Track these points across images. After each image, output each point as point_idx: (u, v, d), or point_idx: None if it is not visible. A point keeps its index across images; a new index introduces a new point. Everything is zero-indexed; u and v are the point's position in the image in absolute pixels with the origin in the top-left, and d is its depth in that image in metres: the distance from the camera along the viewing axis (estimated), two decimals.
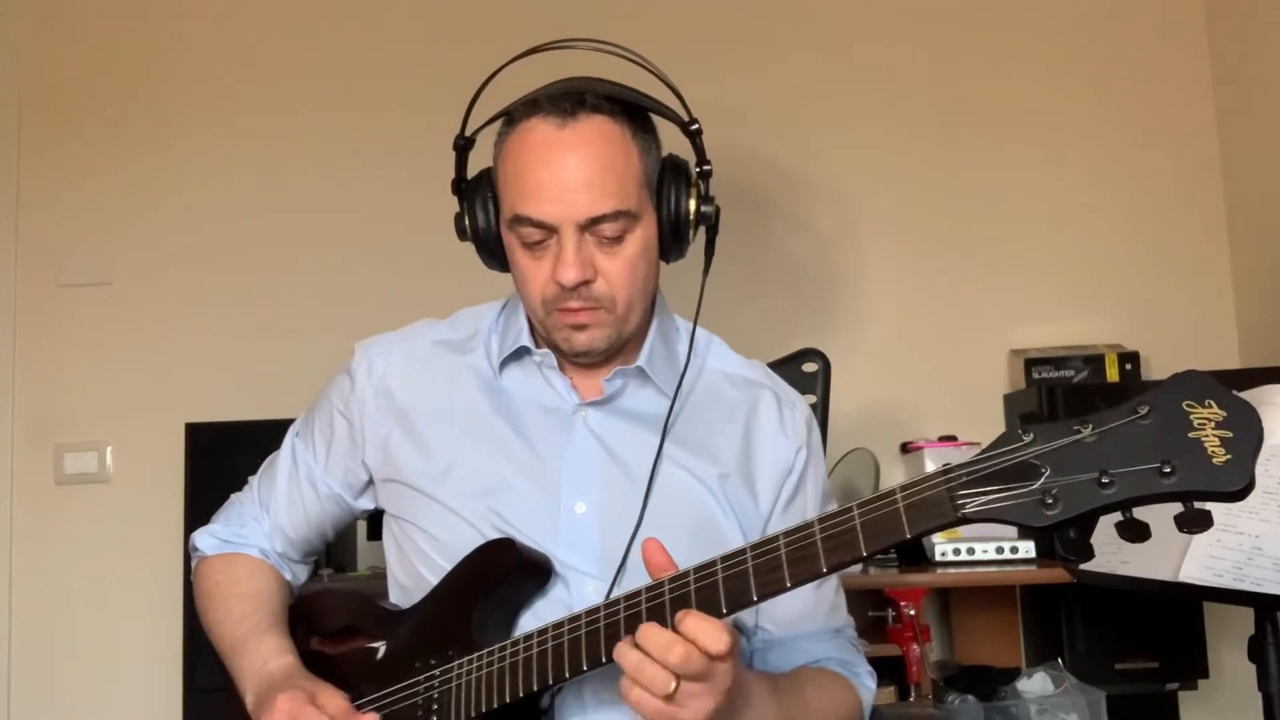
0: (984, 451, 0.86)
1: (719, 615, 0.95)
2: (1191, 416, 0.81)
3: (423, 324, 1.35)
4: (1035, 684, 2.14)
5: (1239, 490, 0.78)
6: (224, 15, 2.86)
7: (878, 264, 2.75)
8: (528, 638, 1.06)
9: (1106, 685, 2.16)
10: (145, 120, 2.81)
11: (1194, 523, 0.80)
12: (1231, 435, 0.79)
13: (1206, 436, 0.80)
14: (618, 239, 1.17)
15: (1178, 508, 0.81)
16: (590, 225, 1.15)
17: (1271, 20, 2.56)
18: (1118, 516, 0.82)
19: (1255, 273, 2.65)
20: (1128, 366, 2.52)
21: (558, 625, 1.04)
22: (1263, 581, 1.32)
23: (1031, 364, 2.54)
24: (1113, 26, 2.78)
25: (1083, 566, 1.58)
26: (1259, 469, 1.38)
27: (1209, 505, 0.80)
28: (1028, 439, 0.84)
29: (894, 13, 2.81)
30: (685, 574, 0.97)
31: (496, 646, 1.08)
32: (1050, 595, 2.37)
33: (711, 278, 1.28)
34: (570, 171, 1.15)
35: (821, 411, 1.81)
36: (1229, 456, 0.79)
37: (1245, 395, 1.48)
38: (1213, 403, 0.81)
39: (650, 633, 0.94)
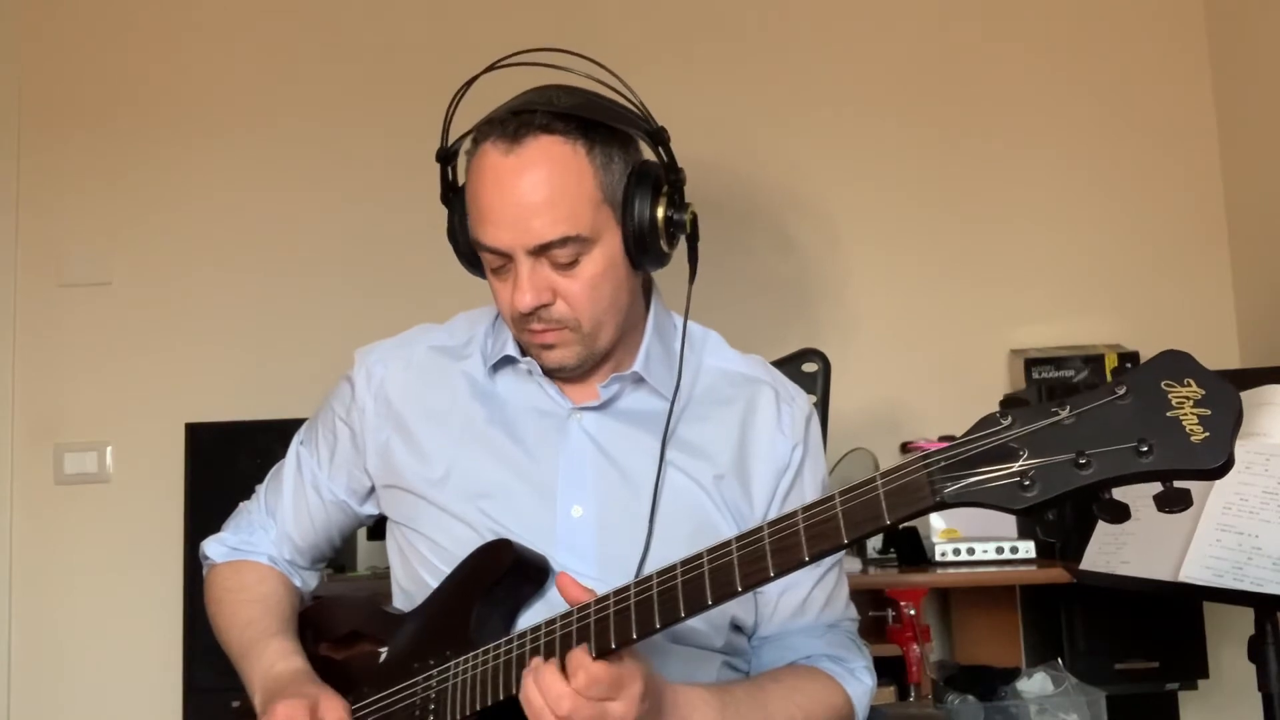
0: (964, 436, 0.85)
1: (704, 607, 0.95)
2: (1170, 395, 0.80)
3: (420, 330, 1.36)
4: (1035, 684, 2.14)
5: (1217, 468, 0.77)
6: (224, 15, 2.86)
7: (878, 264, 2.75)
8: (520, 635, 1.06)
9: (1106, 685, 2.16)
10: (145, 121, 2.81)
11: (1173, 502, 0.80)
12: (1210, 413, 0.78)
13: (1185, 415, 0.79)
14: (572, 262, 1.16)
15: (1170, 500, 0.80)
16: (541, 251, 1.15)
17: (1271, 20, 2.56)
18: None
19: (1255, 273, 2.65)
20: (1128, 366, 2.51)
21: (550, 622, 1.04)
22: (1263, 581, 1.32)
23: (1031, 364, 2.54)
24: (1113, 26, 2.78)
25: (1083, 566, 1.58)
26: (1260, 469, 1.39)
27: (1189, 484, 0.80)
28: (1006, 422, 0.84)
29: (899, 9, 2.81)
30: (673, 567, 0.98)
31: (491, 645, 1.09)
32: (1050, 595, 2.37)
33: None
34: (517, 198, 1.14)
35: (821, 411, 1.81)
36: (1207, 434, 0.77)
37: (1245, 395, 1.48)
38: (1191, 381, 0.80)
39: (547, 679, 0.98)
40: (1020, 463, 0.82)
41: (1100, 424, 0.81)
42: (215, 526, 1.44)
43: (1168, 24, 2.79)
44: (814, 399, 1.78)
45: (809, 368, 1.83)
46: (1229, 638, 2.35)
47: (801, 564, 0.92)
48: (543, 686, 0.98)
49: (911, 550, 2.35)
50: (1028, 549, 2.27)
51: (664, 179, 1.21)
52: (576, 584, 1.04)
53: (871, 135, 2.77)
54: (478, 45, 1.30)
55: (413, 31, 2.83)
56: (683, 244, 1.25)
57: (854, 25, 2.81)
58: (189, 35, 2.85)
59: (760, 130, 2.77)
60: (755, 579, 0.93)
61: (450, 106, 1.25)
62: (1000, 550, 2.28)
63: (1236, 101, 2.71)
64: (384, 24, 2.84)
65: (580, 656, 0.98)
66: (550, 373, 1.25)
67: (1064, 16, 2.79)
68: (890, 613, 2.22)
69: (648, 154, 1.24)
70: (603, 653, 0.99)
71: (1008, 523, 2.32)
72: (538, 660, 1.00)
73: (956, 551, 2.28)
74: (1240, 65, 2.69)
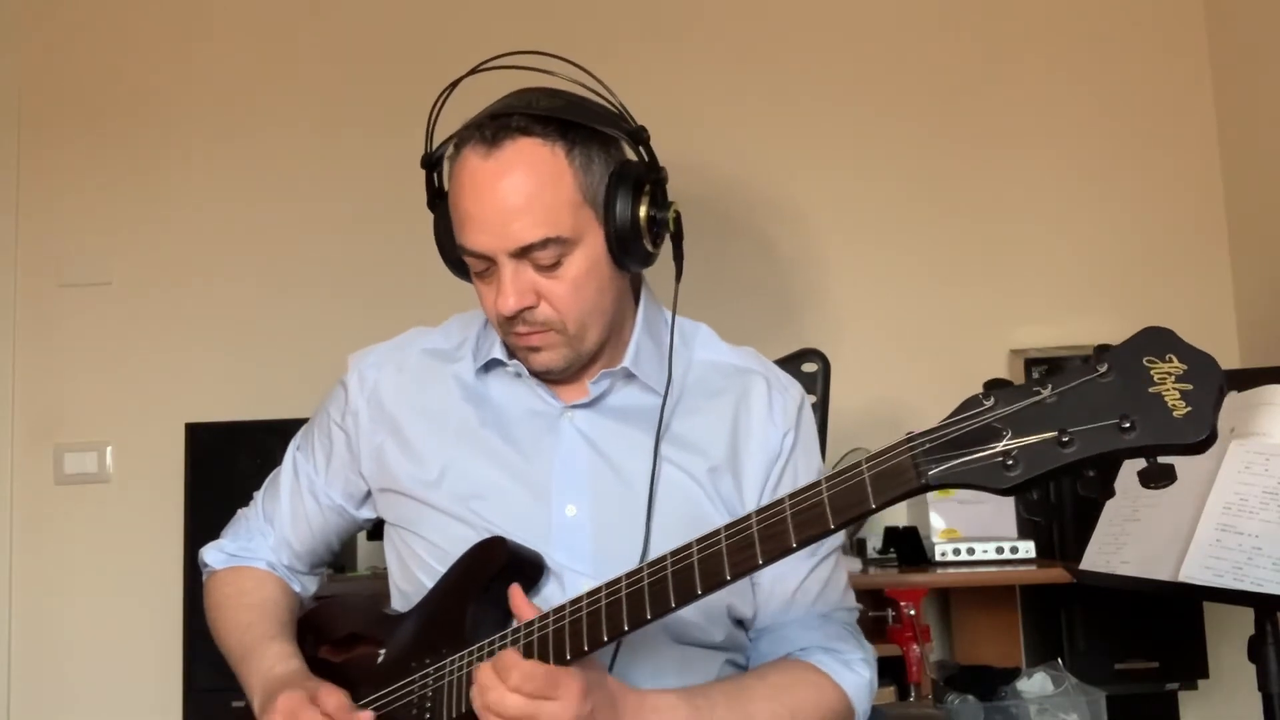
0: (947, 418, 0.86)
1: (695, 596, 0.96)
2: (1151, 371, 0.80)
3: (414, 332, 1.36)
4: (1035, 684, 2.14)
5: (1200, 442, 0.77)
6: (224, 17, 2.86)
7: (878, 264, 2.75)
8: (515, 631, 1.07)
9: (1106, 685, 2.16)
10: (146, 121, 2.81)
11: (1156, 477, 0.80)
12: (1192, 387, 0.78)
13: (1167, 390, 0.79)
14: (555, 264, 1.16)
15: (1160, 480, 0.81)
16: (522, 253, 1.15)
17: (1271, 20, 2.56)
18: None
19: (1255, 273, 2.65)
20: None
21: (543, 617, 1.05)
22: (1263, 581, 1.32)
23: (1031, 364, 2.53)
24: (1113, 26, 2.78)
25: (1083, 566, 1.58)
26: (1260, 469, 1.39)
27: (1173, 459, 0.80)
28: (989, 403, 0.84)
29: (900, 7, 2.81)
30: (663, 558, 0.98)
31: (486, 641, 1.09)
32: (1050, 595, 2.37)
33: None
34: (497, 202, 1.14)
35: (821, 411, 1.81)
36: (1189, 408, 0.78)
37: (1245, 395, 1.48)
38: (1173, 356, 0.80)
39: (483, 679, 0.99)
40: (1003, 443, 0.83)
41: (1082, 402, 0.81)
42: (215, 526, 1.44)
43: (1168, 24, 2.79)
44: (814, 399, 1.78)
45: (809, 368, 1.83)
46: (1229, 638, 2.35)
47: (789, 551, 0.92)
48: (479, 686, 0.99)
49: (911, 550, 2.35)
50: (1028, 549, 2.27)
51: (645, 178, 1.20)
52: (526, 601, 1.07)
53: (871, 135, 2.77)
54: (479, 49, 1.30)
55: (412, 34, 2.82)
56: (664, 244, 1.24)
57: (856, 25, 2.81)
58: (189, 37, 2.85)
59: (757, 129, 2.76)
60: (744, 567, 0.94)
61: (433, 111, 1.26)
62: (1000, 550, 2.28)
63: (1236, 101, 2.71)
64: (384, 27, 2.84)
65: (510, 656, 0.99)
66: (538, 375, 1.25)
67: (1064, 16, 2.79)
68: (890, 613, 2.22)
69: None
70: (594, 646, 0.99)
71: (1008, 523, 2.32)
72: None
73: (956, 551, 2.28)
74: (1240, 65, 2.70)
